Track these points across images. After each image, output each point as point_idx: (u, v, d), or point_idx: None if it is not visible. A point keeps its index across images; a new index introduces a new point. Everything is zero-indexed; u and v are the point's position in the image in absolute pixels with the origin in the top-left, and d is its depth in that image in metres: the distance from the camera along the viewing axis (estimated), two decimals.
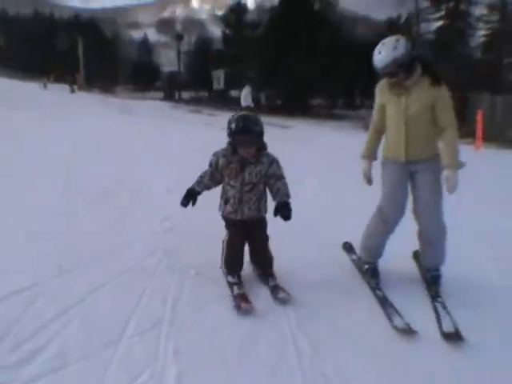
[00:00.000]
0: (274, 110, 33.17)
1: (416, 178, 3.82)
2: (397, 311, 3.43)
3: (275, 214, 3.56)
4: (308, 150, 13.13)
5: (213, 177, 3.72)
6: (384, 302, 3.58)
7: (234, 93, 46.65)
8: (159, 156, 10.11)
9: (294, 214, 3.56)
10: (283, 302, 3.44)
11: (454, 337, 3.14)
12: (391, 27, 39.18)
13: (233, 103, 38.21)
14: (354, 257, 4.35)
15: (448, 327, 3.24)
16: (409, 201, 3.91)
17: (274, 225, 3.74)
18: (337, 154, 5.52)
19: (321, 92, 35.91)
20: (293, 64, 33.18)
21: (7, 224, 4.88)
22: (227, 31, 50.08)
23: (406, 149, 3.75)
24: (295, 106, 33.89)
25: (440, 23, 36.65)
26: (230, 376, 2.62)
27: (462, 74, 27.09)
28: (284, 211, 3.52)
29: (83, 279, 3.65)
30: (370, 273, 4.02)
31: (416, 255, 4.21)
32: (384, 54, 3.58)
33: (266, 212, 3.74)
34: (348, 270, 4.18)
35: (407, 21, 37.93)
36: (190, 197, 3.73)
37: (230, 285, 3.64)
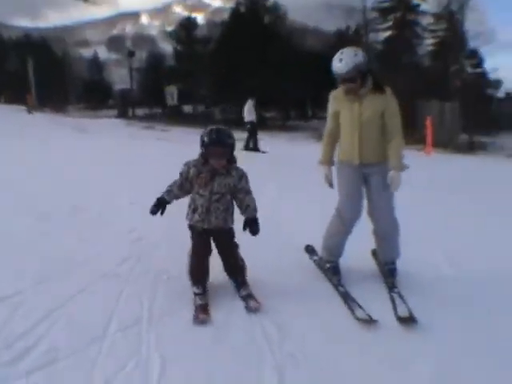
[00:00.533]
0: (229, 123, 33.30)
1: (369, 181, 4.10)
2: (358, 304, 3.67)
3: (244, 228, 3.73)
4: (266, 161, 13.41)
5: (182, 187, 3.79)
6: (346, 297, 3.82)
7: (187, 108, 46.75)
8: (118, 171, 10.14)
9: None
10: (253, 311, 3.53)
11: (408, 320, 3.46)
12: (341, 38, 39.82)
13: (186, 119, 38.28)
14: (316, 257, 4.55)
15: (403, 312, 3.55)
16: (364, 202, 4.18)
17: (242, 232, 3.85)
18: (292, 163, 5.70)
19: (273, 104, 36.23)
20: (244, 78, 33.39)
21: None
22: (178, 47, 50.01)
23: (359, 152, 4.01)
24: None
25: (388, 33, 37.67)
26: (206, 361, 2.88)
27: (411, 81, 27.85)
28: (253, 226, 3.71)
29: (62, 286, 3.84)
30: (332, 271, 4.26)
31: (374, 253, 4.49)
32: (345, 60, 3.81)
33: (232, 223, 3.80)
34: (311, 270, 4.41)
35: (356, 31, 38.62)
36: (160, 205, 3.82)
37: (194, 295, 3.72)
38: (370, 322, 3.43)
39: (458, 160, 17.25)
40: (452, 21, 34.05)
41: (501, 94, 44.00)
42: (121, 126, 29.56)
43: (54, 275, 4.09)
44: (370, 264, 4.44)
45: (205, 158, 3.67)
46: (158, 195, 3.82)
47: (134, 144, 18.50)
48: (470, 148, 21.93)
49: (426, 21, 37.03)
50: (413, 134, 23.47)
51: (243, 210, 3.75)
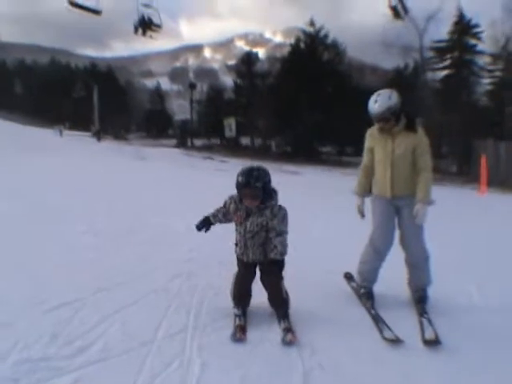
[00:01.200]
0: (285, 157, 33.90)
1: (401, 212, 4.44)
2: (387, 325, 3.95)
3: (268, 266, 3.84)
4: (319, 193, 13.95)
5: (225, 216, 4.00)
6: (377, 319, 4.11)
7: (244, 140, 47.56)
8: (177, 198, 10.80)
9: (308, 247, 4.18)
10: (287, 344, 3.54)
11: (433, 343, 3.71)
12: (399, 76, 40.00)
13: (243, 150, 39.06)
14: (354, 284, 4.87)
15: (429, 335, 3.81)
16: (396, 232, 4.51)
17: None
18: (343, 194, 6.08)
19: (329, 139, 36.58)
20: (302, 112, 33.91)
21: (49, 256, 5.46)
22: (238, 80, 50.88)
23: (391, 186, 4.40)
24: (304, 152, 34.58)
25: (445, 72, 37.62)
26: (240, 368, 3.19)
27: (468, 120, 27.74)
28: (274, 268, 3.80)
29: (117, 297, 4.23)
30: (366, 296, 4.56)
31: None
32: (380, 102, 4.30)
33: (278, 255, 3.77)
34: (349, 295, 4.74)
35: (414, 70, 38.60)
36: (205, 224, 4.05)
37: (234, 316, 3.88)
38: (396, 341, 3.69)
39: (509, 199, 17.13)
40: (510, 60, 33.86)
41: None
42: (180, 155, 30.45)
43: (111, 287, 4.49)
44: (404, 291, 4.65)
45: (240, 198, 3.82)
46: (206, 214, 4.06)
47: (194, 174, 19.36)
48: None
49: (483, 60, 36.80)
50: (468, 174, 23.44)
51: (270, 250, 3.77)
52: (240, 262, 4.01)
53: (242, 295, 3.98)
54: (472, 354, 3.55)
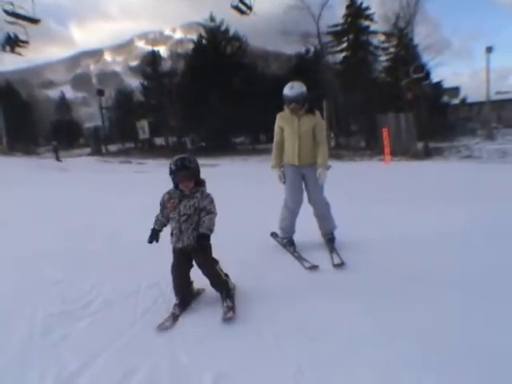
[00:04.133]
0: (201, 152, 34.49)
1: (306, 178, 5.83)
2: (306, 260, 5.44)
3: (195, 242, 4.04)
4: (241, 182, 15.02)
5: (163, 213, 4.20)
6: (298, 257, 5.61)
7: (159, 140, 47.64)
8: (104, 201, 11.21)
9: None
10: (226, 320, 3.89)
11: (340, 265, 5.26)
12: (302, 61, 41.35)
13: (159, 150, 39.26)
14: (278, 239, 6.28)
15: (337, 261, 5.36)
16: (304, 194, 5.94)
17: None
18: (261, 182, 7.20)
19: (242, 130, 37.43)
20: (211, 107, 34.57)
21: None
22: (145, 82, 50.63)
23: (298, 156, 5.73)
24: (220, 145, 35.32)
25: (343, 54, 39.40)
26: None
27: (368, 97, 29.32)
28: (202, 241, 3.98)
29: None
30: (288, 243, 6.02)
31: (274, 234, 6.41)
32: (295, 89, 5.61)
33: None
34: (276, 247, 6.15)
35: (315, 54, 39.93)
36: (153, 236, 4.17)
37: (173, 305, 4.16)
38: (313, 267, 5.21)
39: (412, 166, 18.74)
40: (401, 37, 36.15)
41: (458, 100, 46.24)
42: (97, 163, 30.37)
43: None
44: (316, 236, 6.11)
45: (175, 184, 4.11)
46: (151, 226, 4.21)
47: (116, 177, 19.72)
48: (426, 154, 23.33)
49: (377, 39, 38.80)
50: (375, 147, 24.98)
51: (199, 226, 4.04)
52: (176, 251, 4.17)
53: (180, 285, 4.19)
54: (367, 270, 5.03)
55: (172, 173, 4.03)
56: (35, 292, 4.72)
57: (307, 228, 6.10)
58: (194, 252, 4.11)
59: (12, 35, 27.68)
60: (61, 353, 3.44)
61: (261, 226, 6.89)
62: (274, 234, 6.42)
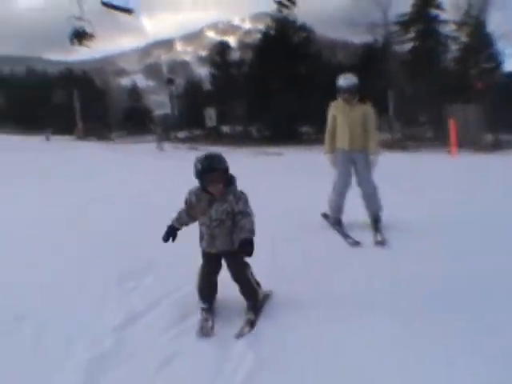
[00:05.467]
0: (266, 141, 34.88)
1: (356, 162, 6.40)
2: (350, 236, 6.25)
3: (238, 248, 3.69)
4: (303, 170, 15.65)
5: (189, 214, 3.97)
6: (343, 234, 6.39)
7: (225, 128, 48.38)
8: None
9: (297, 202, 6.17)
10: (237, 336, 3.68)
11: (381, 243, 5.95)
12: (370, 50, 40.92)
13: (225, 138, 39.92)
14: (328, 218, 7.03)
15: (379, 238, 6.07)
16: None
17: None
18: (321, 170, 7.78)
19: (307, 120, 37.47)
20: (278, 97, 34.81)
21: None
22: (213, 71, 51.38)
23: (349, 141, 6.32)
24: (284, 135, 35.55)
25: (412, 44, 38.67)
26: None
27: (437, 88, 28.80)
28: (246, 248, 3.60)
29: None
30: (336, 222, 6.78)
31: (324, 215, 7.13)
32: (350, 80, 6.33)
33: None
34: (325, 225, 6.97)
35: (384, 44, 39.37)
36: (171, 233, 3.98)
37: (200, 310, 4.01)
38: (356, 244, 5.95)
39: (479, 159, 18.45)
40: (473, 26, 34.96)
41: None
42: (168, 148, 31.35)
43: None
44: (362, 216, 6.79)
45: (202, 185, 3.78)
46: (169, 223, 4.04)
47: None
48: (495, 147, 22.83)
49: (448, 28, 37.80)
50: (442, 138, 24.59)
51: (239, 231, 3.74)
52: (206, 255, 4.02)
53: (205, 288, 4.06)
54: (405, 247, 5.72)
55: (198, 175, 3.72)
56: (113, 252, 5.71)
57: (355, 209, 6.78)
58: (227, 257, 3.97)
59: (80, 30, 29.12)
60: (131, 298, 4.27)
61: (315, 207, 7.46)
62: (324, 215, 7.07)
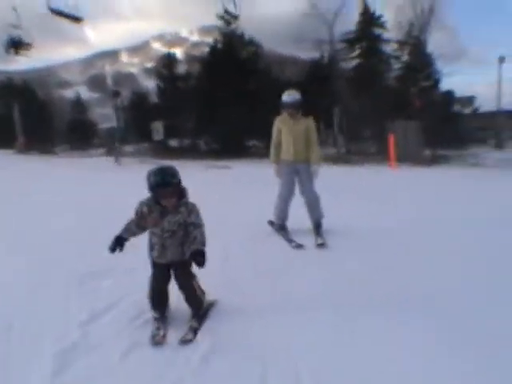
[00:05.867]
0: (214, 154, 35.11)
1: (299, 173, 7.03)
2: (294, 241, 6.87)
3: (189, 259, 3.88)
4: (250, 182, 16.26)
5: (139, 224, 3.99)
6: (287, 239, 7.02)
7: (173, 142, 48.28)
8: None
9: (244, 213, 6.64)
10: (182, 342, 3.74)
11: (322, 245, 6.64)
12: (317, 66, 41.86)
13: (173, 152, 39.91)
14: (273, 226, 7.68)
15: (320, 241, 6.75)
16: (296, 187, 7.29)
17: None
18: (268, 182, 8.37)
19: (254, 134, 37.89)
20: (225, 111, 35.13)
21: None
22: (160, 84, 51.31)
23: (294, 153, 6.94)
24: (232, 148, 35.89)
25: (356, 61, 39.89)
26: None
27: (379, 104, 29.83)
28: (198, 258, 3.75)
29: None
30: (280, 227, 7.44)
31: (270, 222, 7.78)
32: (293, 96, 6.97)
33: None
34: (271, 231, 7.63)
35: (330, 60, 40.31)
36: (118, 243, 3.96)
37: (153, 319, 4.06)
38: (299, 247, 6.61)
39: (416, 172, 19.50)
40: (414, 45, 36.32)
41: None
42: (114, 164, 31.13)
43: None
44: (305, 224, 7.43)
45: (155, 199, 3.87)
46: (116, 233, 4.02)
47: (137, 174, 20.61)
48: (432, 161, 23.89)
49: (390, 47, 39.19)
50: (384, 153, 25.57)
51: (191, 243, 3.86)
52: (156, 265, 4.08)
53: (159, 298, 4.10)
54: (344, 249, 6.42)
55: (152, 189, 3.80)
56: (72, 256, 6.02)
57: (297, 216, 7.45)
58: (175, 266, 4.04)
59: (16, 38, 28.65)
60: (91, 298, 4.64)
61: (262, 216, 8.04)
62: (270, 222, 7.69)
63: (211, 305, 4.37)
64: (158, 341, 3.66)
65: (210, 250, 3.89)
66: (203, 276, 4.21)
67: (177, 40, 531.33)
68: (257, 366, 3.32)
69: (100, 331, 3.92)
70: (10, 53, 29.59)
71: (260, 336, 3.81)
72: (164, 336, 3.75)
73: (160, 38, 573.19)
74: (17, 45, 29.21)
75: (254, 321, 4.10)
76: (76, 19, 27.43)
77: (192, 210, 3.92)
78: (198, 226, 3.88)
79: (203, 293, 4.21)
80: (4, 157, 39.43)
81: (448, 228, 7.78)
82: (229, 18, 27.79)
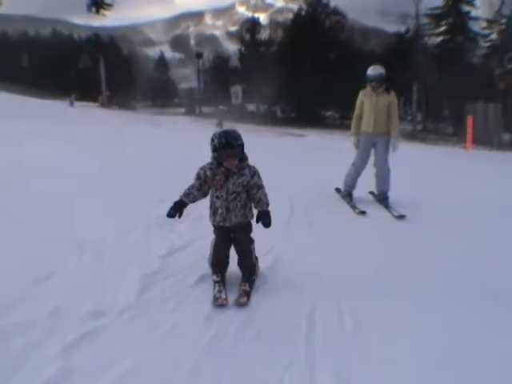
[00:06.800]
0: (290, 122, 35.56)
1: (377, 144, 7.27)
2: (357, 207, 6.97)
3: (257, 221, 3.98)
4: (322, 151, 16.53)
5: (201, 188, 3.98)
6: (352, 205, 7.16)
7: (250, 106, 48.88)
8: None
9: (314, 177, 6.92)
10: (238, 304, 3.74)
11: (402, 217, 6.55)
12: (400, 40, 41.23)
13: (250, 116, 40.50)
14: (340, 192, 7.85)
15: (398, 214, 6.66)
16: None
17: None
18: (339, 152, 8.69)
19: (332, 104, 37.98)
20: (305, 79, 35.34)
21: None
22: (242, 49, 51.82)
23: (373, 125, 7.16)
24: (308, 117, 36.22)
25: (441, 38, 38.92)
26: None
27: (461, 84, 29.23)
28: (265, 219, 3.92)
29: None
30: (347, 194, 7.58)
31: (371, 192, 7.78)
32: (378, 70, 7.10)
33: (252, 217, 4.05)
34: (337, 197, 7.80)
35: (415, 34, 39.64)
36: (178, 208, 3.99)
37: (213, 282, 4.01)
38: (362, 213, 6.71)
39: (492, 156, 19.12)
40: (504, 25, 35.14)
41: None
42: (192, 123, 31.97)
43: None
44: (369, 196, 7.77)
45: (218, 160, 3.85)
46: (176, 198, 4.04)
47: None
48: (510, 146, 23.42)
49: (478, 25, 38.04)
50: (461, 134, 25.19)
51: (255, 204, 3.97)
52: (218, 229, 4.11)
53: (219, 262, 4.15)
54: (416, 220, 6.46)
55: (216, 150, 3.84)
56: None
57: (366, 187, 7.66)
58: (238, 229, 4.06)
59: None
60: (170, 237, 5.24)
61: (330, 182, 8.30)
62: (337, 189, 7.98)
63: (258, 274, 4.30)
64: (220, 303, 3.71)
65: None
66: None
67: (262, 5, 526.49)
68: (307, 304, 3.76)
69: (176, 264, 4.49)
70: (92, 12, 31.08)
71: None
72: (226, 298, 3.79)
73: (245, 1, 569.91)
74: (98, 4, 30.62)
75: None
76: None
77: (255, 172, 3.96)
78: (261, 187, 3.97)
79: (257, 259, 4.24)
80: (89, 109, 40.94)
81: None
82: None
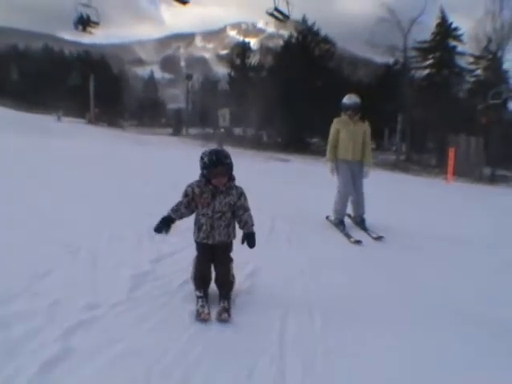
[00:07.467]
0: (276, 147, 35.87)
1: (353, 171, 7.50)
2: (352, 236, 6.95)
3: (242, 242, 4.04)
4: (306, 177, 16.76)
5: (189, 206, 4.02)
6: (347, 235, 7.10)
7: (237, 130, 49.17)
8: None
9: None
10: (220, 320, 3.78)
11: (380, 238, 6.92)
12: (389, 71, 42.02)
13: (237, 140, 40.78)
14: (331, 219, 7.81)
15: (375, 235, 7.00)
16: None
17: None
18: (323, 178, 8.89)
19: (318, 131, 38.34)
20: (292, 105, 35.73)
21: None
22: (232, 72, 52.25)
23: (352, 153, 7.42)
24: (294, 143, 36.57)
25: (427, 71, 39.72)
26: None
27: (445, 117, 29.74)
28: (250, 241, 4.02)
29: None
30: (339, 222, 7.55)
31: (348, 215, 7.87)
32: (353, 99, 7.40)
33: (234, 237, 4.11)
34: (328, 225, 7.76)
35: (402, 67, 40.00)
36: (166, 224, 4.02)
37: (196, 298, 4.03)
38: (357, 242, 6.70)
39: (471, 188, 19.59)
40: (490, 61, 35.73)
41: None
42: (179, 143, 32.23)
43: None
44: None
45: (207, 178, 3.92)
46: (164, 214, 4.06)
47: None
48: (491, 180, 23.83)
49: (464, 60, 38.82)
50: (443, 166, 25.56)
51: (242, 226, 4.05)
52: (201, 246, 4.14)
53: (201, 277, 4.16)
54: (398, 241, 6.86)
55: (206, 167, 3.90)
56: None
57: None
58: (219, 248, 4.11)
59: (85, 16, 30.61)
60: (160, 245, 5.48)
61: (318, 210, 8.38)
62: (327, 217, 8.02)
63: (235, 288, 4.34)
64: (203, 317, 3.76)
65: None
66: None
67: (253, 30, 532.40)
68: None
69: (165, 267, 4.85)
70: (79, 29, 31.65)
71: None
72: (208, 313, 3.82)
73: (237, 26, 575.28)
74: (85, 22, 31.15)
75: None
76: (183, 2, 28.64)
77: (241, 193, 4.04)
78: (247, 209, 4.05)
79: (234, 277, 4.24)
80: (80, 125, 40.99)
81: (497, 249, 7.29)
82: (279, 15, 28.46)
